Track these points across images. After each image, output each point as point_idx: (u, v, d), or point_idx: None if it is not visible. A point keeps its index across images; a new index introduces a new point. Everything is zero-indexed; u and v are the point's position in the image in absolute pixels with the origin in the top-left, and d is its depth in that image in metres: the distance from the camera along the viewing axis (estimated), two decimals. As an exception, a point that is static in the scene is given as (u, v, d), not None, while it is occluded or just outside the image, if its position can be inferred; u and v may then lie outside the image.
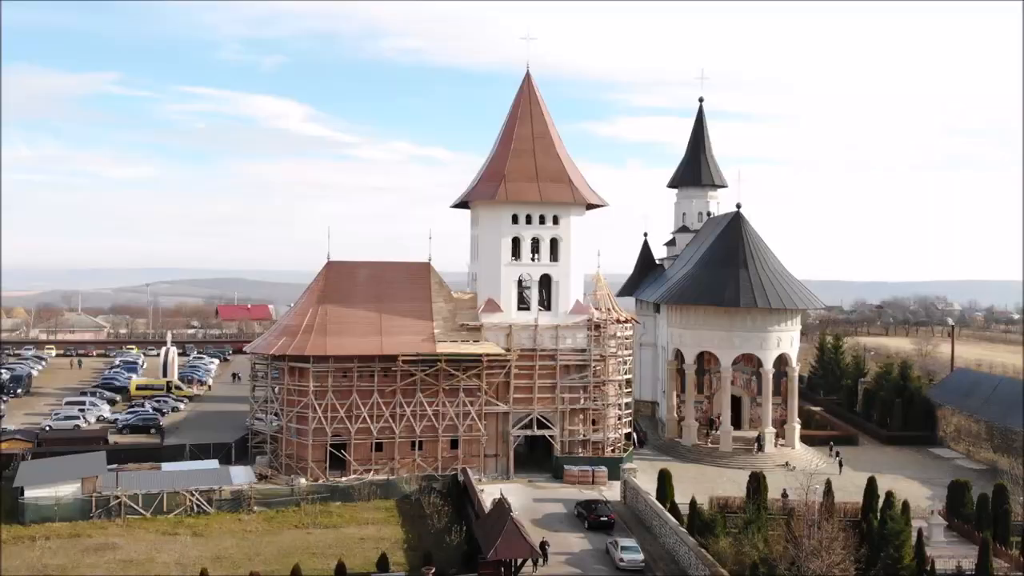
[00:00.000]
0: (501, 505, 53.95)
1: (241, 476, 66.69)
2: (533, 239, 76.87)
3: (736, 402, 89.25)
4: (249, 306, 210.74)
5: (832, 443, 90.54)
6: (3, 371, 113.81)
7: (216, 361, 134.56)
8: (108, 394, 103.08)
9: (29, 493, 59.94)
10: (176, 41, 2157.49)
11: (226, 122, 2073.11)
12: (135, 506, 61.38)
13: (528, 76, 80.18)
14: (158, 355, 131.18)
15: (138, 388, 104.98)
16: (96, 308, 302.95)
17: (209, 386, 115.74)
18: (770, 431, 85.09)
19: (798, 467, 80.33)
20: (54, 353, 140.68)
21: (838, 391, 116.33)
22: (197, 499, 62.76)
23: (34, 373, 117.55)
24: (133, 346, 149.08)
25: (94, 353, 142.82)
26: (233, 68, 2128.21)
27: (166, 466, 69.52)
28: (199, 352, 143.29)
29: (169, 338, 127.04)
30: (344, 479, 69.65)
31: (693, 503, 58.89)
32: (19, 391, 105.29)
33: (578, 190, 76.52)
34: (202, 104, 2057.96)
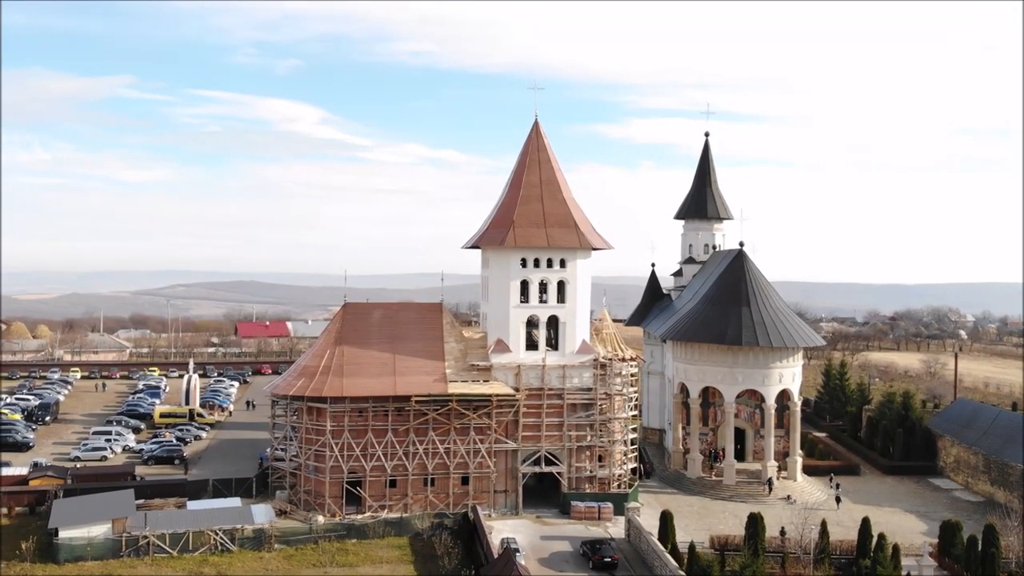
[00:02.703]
0: (508, 553, 56.88)
1: (262, 515, 69.88)
2: (541, 282, 79.75)
3: (740, 434, 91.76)
4: (267, 323, 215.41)
5: (832, 475, 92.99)
6: (31, 397, 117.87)
7: (236, 384, 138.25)
8: (133, 422, 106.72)
9: (63, 534, 63.37)
10: (189, 45, 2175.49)
11: (240, 125, 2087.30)
12: (162, 545, 64.69)
13: (536, 124, 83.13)
14: (179, 377, 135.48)
15: (161, 416, 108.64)
16: (116, 318, 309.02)
17: (230, 412, 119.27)
18: (772, 465, 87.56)
19: (799, 500, 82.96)
20: (79, 376, 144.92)
21: (843, 417, 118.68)
22: (221, 538, 66.03)
23: (60, 399, 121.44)
24: (155, 368, 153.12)
25: (117, 375, 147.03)
26: (246, 71, 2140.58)
27: (191, 504, 72.93)
28: (219, 374, 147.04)
29: (191, 365, 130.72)
30: (360, 516, 72.87)
31: (692, 547, 61.65)
32: (47, 419, 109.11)
33: (584, 235, 79.42)
34: (215, 107, 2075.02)
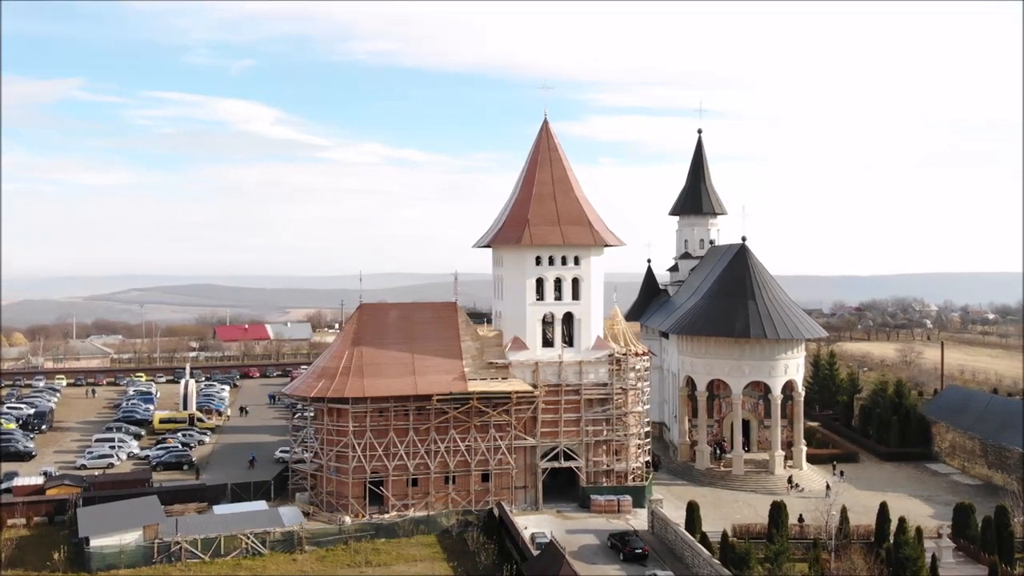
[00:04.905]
0: (553, 548, 57.62)
1: (291, 517, 69.90)
2: (556, 279, 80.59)
3: (744, 425, 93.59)
4: (246, 326, 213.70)
5: (835, 462, 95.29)
6: (23, 406, 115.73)
7: (227, 388, 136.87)
8: (133, 428, 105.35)
9: (95, 542, 62.76)
10: (143, 45, 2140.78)
11: (195, 126, 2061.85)
12: (194, 550, 64.39)
13: (546, 123, 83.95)
14: (168, 382, 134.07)
15: (161, 421, 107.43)
16: (81, 324, 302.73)
17: (228, 416, 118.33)
18: (780, 454, 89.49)
19: (807, 488, 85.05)
20: (64, 383, 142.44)
21: (834, 406, 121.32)
22: (252, 541, 65.91)
23: (53, 407, 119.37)
24: (142, 374, 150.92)
25: (104, 382, 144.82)
26: (202, 72, 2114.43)
27: (217, 508, 72.59)
28: (208, 379, 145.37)
29: (188, 370, 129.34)
30: (387, 516, 73.12)
31: (725, 536, 62.89)
32: (43, 427, 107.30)
33: (597, 233, 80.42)
34: (171, 109, 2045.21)
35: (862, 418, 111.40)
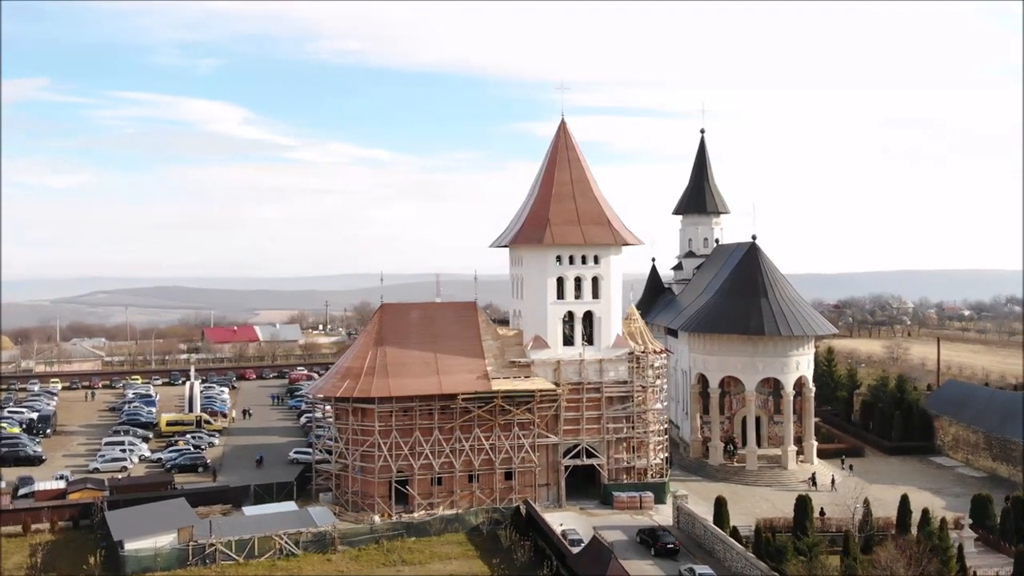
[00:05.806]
0: (598, 543, 58.27)
1: (322, 517, 69.97)
2: (575, 278, 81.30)
3: (755, 421, 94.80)
4: (235, 328, 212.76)
5: (843, 457, 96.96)
6: (23, 410, 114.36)
7: (225, 390, 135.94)
8: (141, 431, 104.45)
9: (129, 546, 62.40)
10: (107, 45, 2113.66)
11: (161, 127, 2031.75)
12: (229, 552, 64.25)
13: (563, 124, 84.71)
14: (163, 385, 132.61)
15: (168, 424, 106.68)
16: (54, 327, 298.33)
17: (233, 418, 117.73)
18: (792, 449, 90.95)
19: (819, 483, 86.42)
20: (60, 386, 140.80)
21: (832, 402, 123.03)
22: (285, 542, 65.91)
23: (54, 410, 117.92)
24: (137, 376, 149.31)
25: (100, 385, 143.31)
26: (167, 72, 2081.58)
27: (247, 510, 72.41)
28: (204, 381, 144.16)
29: (192, 372, 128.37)
30: (416, 515, 73.41)
31: (759, 530, 63.99)
32: (48, 431, 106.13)
33: (617, 232, 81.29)
34: (136, 109, 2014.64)
35: (863, 413, 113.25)
